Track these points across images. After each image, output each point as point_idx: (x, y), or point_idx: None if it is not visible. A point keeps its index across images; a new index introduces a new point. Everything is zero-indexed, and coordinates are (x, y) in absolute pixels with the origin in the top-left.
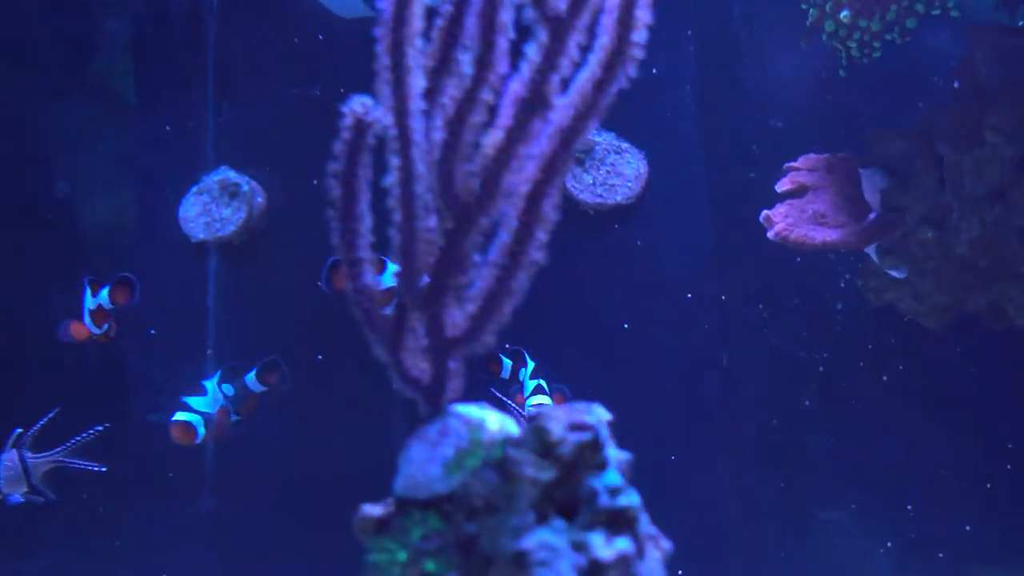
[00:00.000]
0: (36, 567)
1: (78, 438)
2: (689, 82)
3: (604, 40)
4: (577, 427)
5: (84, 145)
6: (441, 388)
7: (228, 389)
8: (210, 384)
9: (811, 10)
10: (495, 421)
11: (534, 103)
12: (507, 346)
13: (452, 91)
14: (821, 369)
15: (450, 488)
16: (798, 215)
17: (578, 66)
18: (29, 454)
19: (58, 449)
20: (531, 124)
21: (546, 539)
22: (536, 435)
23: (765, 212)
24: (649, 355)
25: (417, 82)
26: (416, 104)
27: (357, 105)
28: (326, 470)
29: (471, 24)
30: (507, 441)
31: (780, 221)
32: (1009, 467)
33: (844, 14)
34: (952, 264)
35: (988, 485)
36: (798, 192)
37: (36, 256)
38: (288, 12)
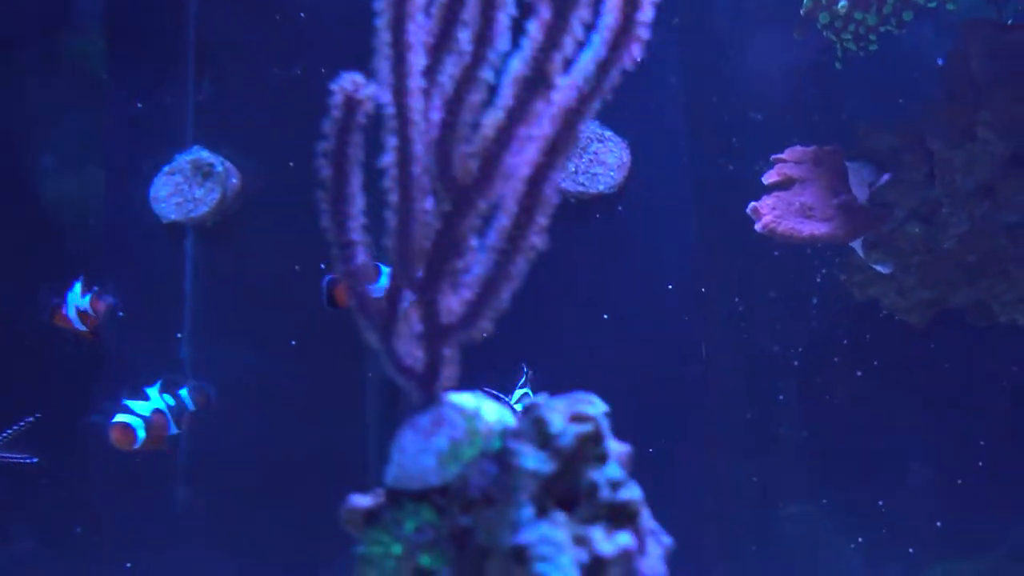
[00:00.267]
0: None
1: (7, 432)
2: (674, 71)
3: (609, 18)
4: (578, 418)
5: (54, 123)
6: (435, 376)
7: (169, 399)
8: (152, 391)
9: (806, 0)
10: (492, 411)
11: (536, 82)
12: None
13: (451, 69)
14: (796, 363)
15: (445, 480)
16: (785, 207)
17: (581, 45)
18: None
19: None
20: (532, 104)
21: (547, 533)
22: (536, 426)
23: (753, 204)
24: (630, 347)
25: (418, 59)
26: (416, 82)
27: (347, 82)
28: (301, 457)
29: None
30: (505, 432)
31: (768, 213)
32: (980, 464)
33: (841, 4)
34: (938, 260)
35: (959, 481)
36: (785, 184)
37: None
38: None
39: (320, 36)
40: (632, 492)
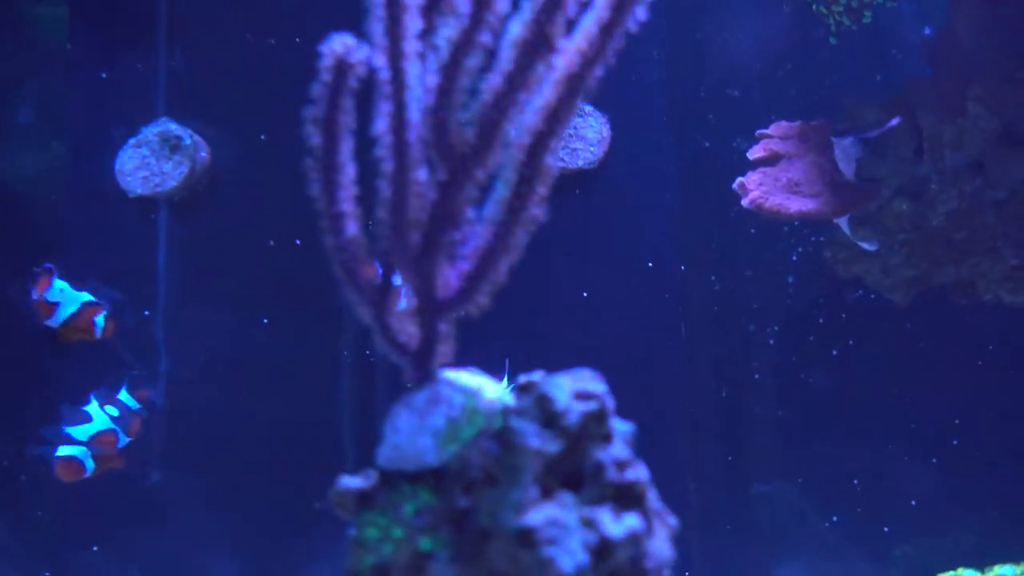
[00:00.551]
0: None
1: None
2: (656, 46)
3: None
4: (583, 396)
5: (14, 93)
6: (430, 353)
7: (112, 410)
8: (92, 409)
9: None
10: (491, 389)
11: (536, 46)
12: None
13: (448, 32)
14: (771, 342)
15: (442, 460)
16: (772, 183)
17: (584, 7)
18: None
19: None
20: (533, 69)
21: (554, 515)
22: (540, 404)
23: (739, 179)
24: (609, 325)
25: (413, 22)
26: (411, 46)
27: (338, 44)
28: (275, 434)
29: None
30: (508, 410)
31: (754, 189)
32: (955, 442)
33: None
34: (924, 237)
35: (934, 460)
36: (771, 160)
37: None
38: None
39: (295, 4)
40: (639, 472)
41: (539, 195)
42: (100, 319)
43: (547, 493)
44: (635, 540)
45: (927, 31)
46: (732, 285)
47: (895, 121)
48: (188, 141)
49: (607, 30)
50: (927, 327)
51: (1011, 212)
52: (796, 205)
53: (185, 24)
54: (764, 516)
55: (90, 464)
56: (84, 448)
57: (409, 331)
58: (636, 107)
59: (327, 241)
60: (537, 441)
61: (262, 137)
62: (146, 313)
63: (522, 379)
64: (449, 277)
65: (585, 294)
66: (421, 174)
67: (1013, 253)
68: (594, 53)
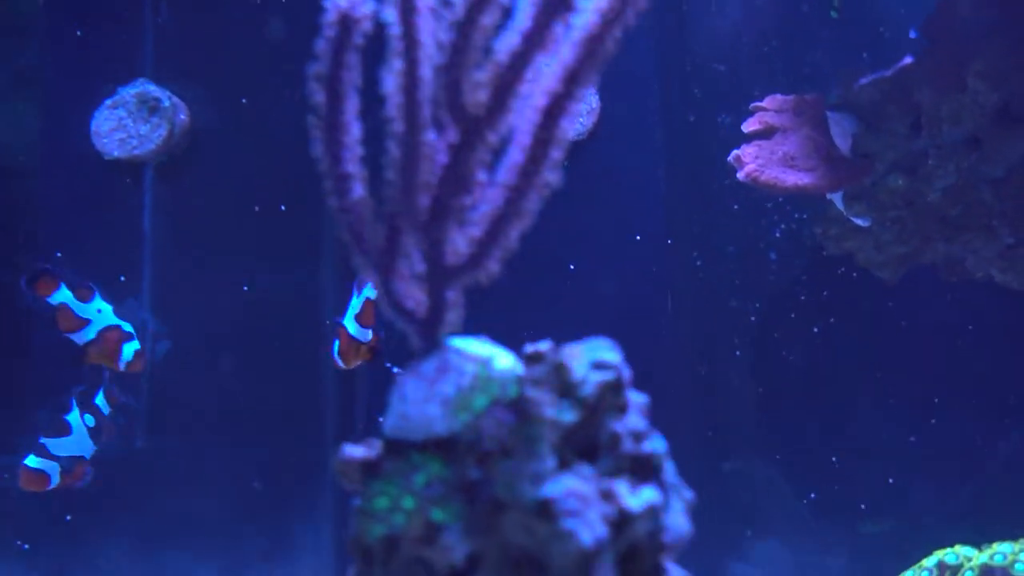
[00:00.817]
0: None
1: None
2: (644, 18)
3: None
4: (600, 366)
5: None
6: (438, 320)
7: (90, 420)
8: (73, 419)
9: None
10: (504, 358)
11: (555, 5)
12: None
13: None
14: (753, 319)
15: (452, 429)
16: (768, 156)
17: None
18: None
19: None
20: (551, 28)
21: (574, 486)
22: (556, 373)
23: (735, 152)
24: (595, 298)
25: None
26: (424, 1)
27: None
28: (255, 404)
29: None
30: (522, 379)
31: (750, 162)
32: (934, 421)
33: None
34: (916, 214)
35: (912, 438)
36: (766, 133)
37: None
38: None
39: None
40: (656, 444)
41: (553, 160)
42: (129, 351)
43: (564, 464)
44: (653, 513)
45: (920, 5)
46: (714, 261)
47: (907, 60)
48: (167, 103)
49: None
50: (908, 306)
51: (1008, 191)
52: (792, 179)
53: None
54: (741, 492)
55: (56, 480)
56: (54, 463)
57: (416, 297)
58: (626, 79)
59: (332, 203)
60: (554, 411)
61: (244, 101)
62: (122, 279)
63: (529, 348)
64: (458, 242)
65: (572, 267)
66: (432, 136)
67: (1009, 232)
68: (614, 14)
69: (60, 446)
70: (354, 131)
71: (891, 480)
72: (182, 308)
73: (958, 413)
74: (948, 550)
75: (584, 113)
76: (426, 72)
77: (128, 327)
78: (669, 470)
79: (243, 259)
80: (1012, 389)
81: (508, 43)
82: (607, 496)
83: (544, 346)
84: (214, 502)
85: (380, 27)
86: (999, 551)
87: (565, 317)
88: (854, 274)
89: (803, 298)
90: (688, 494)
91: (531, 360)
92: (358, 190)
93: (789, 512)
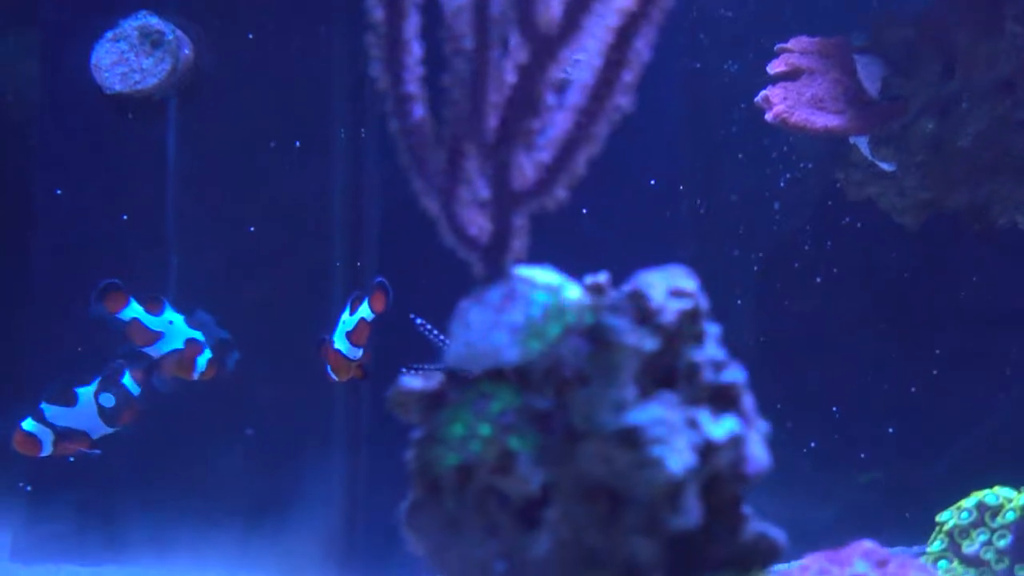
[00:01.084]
0: None
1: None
2: None
3: None
4: (678, 294)
5: None
6: (503, 248)
7: (107, 399)
8: (84, 392)
9: None
10: (572, 287)
11: None
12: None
13: None
14: (755, 268)
15: (523, 358)
16: (796, 98)
17: None
18: None
19: None
20: None
21: (660, 414)
22: (635, 300)
23: (763, 92)
24: (609, 243)
25: None
26: None
27: None
28: (265, 345)
29: None
30: (599, 306)
31: (779, 103)
32: (935, 372)
33: None
34: (943, 159)
35: (913, 389)
36: (791, 75)
37: None
38: None
39: None
40: (735, 374)
41: (625, 84)
42: (202, 361)
43: (646, 393)
44: (736, 443)
45: None
46: (718, 209)
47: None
48: (170, 36)
49: None
50: (913, 257)
51: None
52: (822, 121)
53: None
54: None
55: (48, 448)
56: (48, 430)
57: (480, 224)
58: None
59: (391, 125)
60: (634, 338)
61: (250, 36)
62: (124, 218)
63: (589, 280)
64: (525, 167)
65: (585, 211)
66: (501, 54)
67: None
68: None
69: (59, 415)
70: (415, 50)
71: (891, 430)
72: (187, 245)
73: (959, 363)
74: (987, 491)
75: None
76: None
77: (200, 336)
78: (748, 401)
79: (251, 198)
80: (1014, 340)
81: None
82: (692, 424)
83: (603, 278)
84: (230, 452)
85: None
86: None
87: (577, 262)
88: (859, 224)
89: (806, 248)
90: (764, 426)
91: (594, 290)
92: (419, 111)
93: (788, 462)
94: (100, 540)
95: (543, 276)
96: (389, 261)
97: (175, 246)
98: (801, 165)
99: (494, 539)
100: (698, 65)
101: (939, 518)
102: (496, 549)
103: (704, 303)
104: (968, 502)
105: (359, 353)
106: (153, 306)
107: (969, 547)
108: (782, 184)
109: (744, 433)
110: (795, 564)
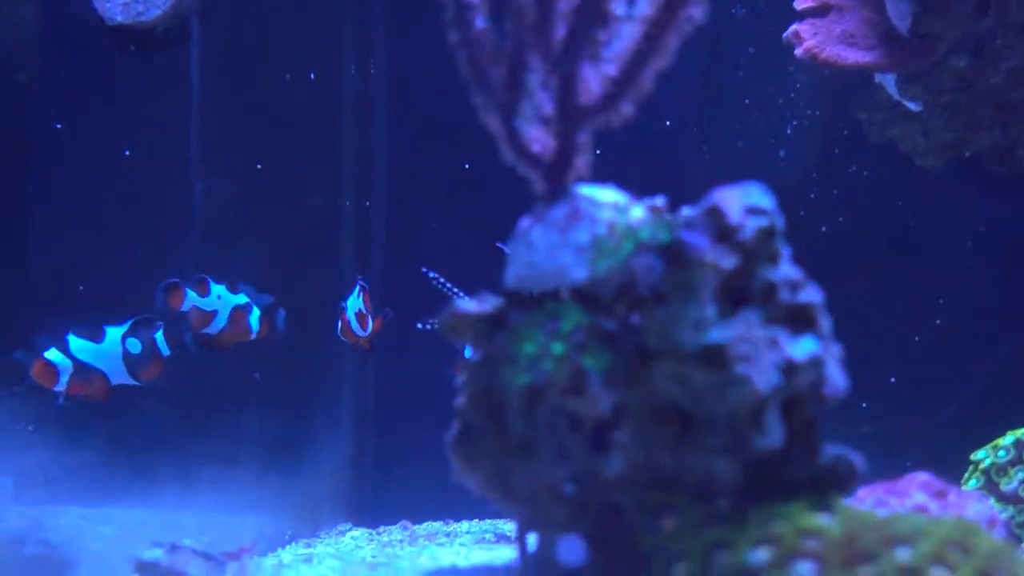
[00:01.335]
0: None
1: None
2: None
3: None
4: (754, 211)
5: None
6: (566, 165)
7: (134, 345)
8: (113, 332)
9: None
10: (637, 207)
11: None
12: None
13: None
14: None
15: (591, 277)
16: (826, 34)
17: None
18: None
19: None
20: None
21: (744, 332)
22: (712, 217)
23: (793, 27)
24: (623, 185)
25: None
26: None
27: None
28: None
29: None
30: (675, 223)
31: (809, 38)
32: (938, 322)
33: None
34: (973, 98)
35: (916, 338)
36: (820, 11)
37: None
38: None
39: None
40: (812, 295)
41: None
42: (255, 320)
43: (725, 312)
44: (816, 364)
45: None
46: (722, 156)
47: None
48: None
49: None
50: (917, 206)
51: None
52: (853, 56)
53: None
54: None
55: (64, 381)
56: (69, 363)
57: (544, 140)
58: None
59: (451, 36)
60: (714, 255)
61: None
62: (127, 153)
63: (647, 202)
64: (592, 80)
65: (599, 151)
66: None
67: None
68: None
69: (84, 349)
70: None
71: (893, 380)
72: (197, 178)
73: (963, 314)
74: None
75: None
76: None
77: (244, 299)
78: (825, 322)
79: (259, 133)
80: (1019, 291)
81: None
82: (773, 344)
83: (660, 201)
84: (243, 400)
85: None
86: None
87: None
88: (865, 173)
89: (812, 196)
90: (837, 349)
91: (655, 211)
92: (480, 22)
93: None
94: (127, 476)
95: (607, 195)
96: (396, 200)
97: (199, 172)
98: (808, 112)
99: (565, 462)
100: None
101: (974, 456)
102: (566, 472)
103: (780, 221)
104: (1006, 440)
105: (367, 331)
106: (201, 287)
107: (1007, 485)
108: (788, 131)
109: (823, 354)
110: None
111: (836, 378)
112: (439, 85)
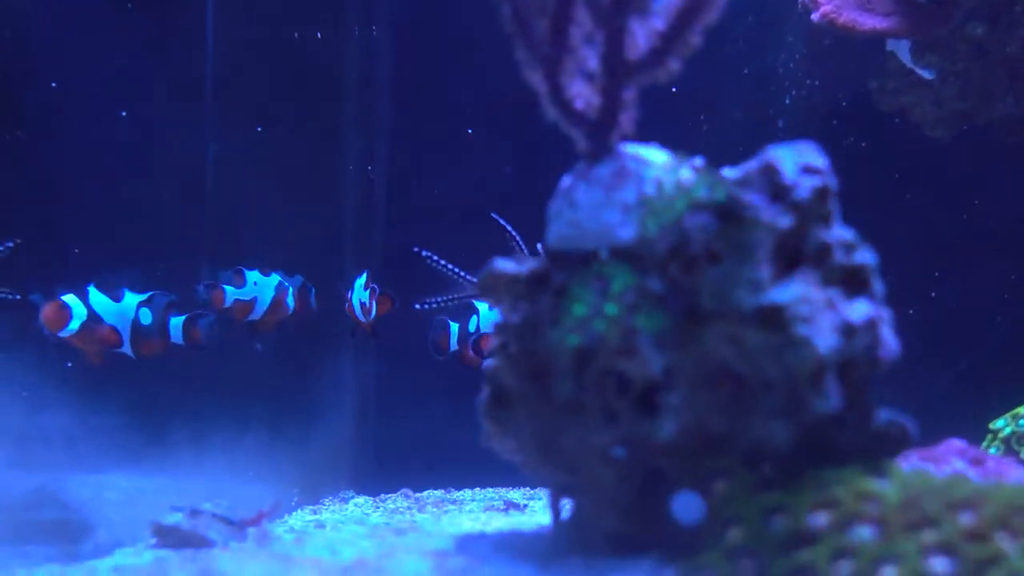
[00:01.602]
0: None
1: None
2: None
3: None
4: (809, 171)
5: None
6: (612, 123)
7: (146, 316)
8: (132, 297)
9: None
10: (687, 167)
11: None
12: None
13: None
14: None
15: (639, 236)
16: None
17: None
18: None
19: None
20: None
21: (804, 292)
22: (767, 175)
23: None
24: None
25: None
26: None
27: None
28: (280, 233)
29: None
30: (729, 181)
31: (826, 3)
32: (933, 294)
33: None
34: (987, 67)
35: (911, 311)
36: None
37: None
38: None
39: None
40: (866, 256)
41: None
42: (290, 299)
43: (781, 272)
44: (872, 326)
45: None
46: (720, 126)
47: None
48: None
49: None
50: (913, 178)
51: None
52: (870, 22)
53: None
54: None
55: (74, 326)
56: (83, 310)
57: (588, 97)
58: None
59: None
60: (770, 215)
61: None
62: (123, 114)
63: (688, 162)
64: (638, 35)
65: None
66: None
67: None
68: None
69: (101, 303)
70: None
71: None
72: (200, 140)
73: (957, 286)
74: None
75: None
76: None
77: (277, 279)
78: (878, 285)
79: (258, 95)
80: (1013, 264)
81: None
82: (831, 305)
83: (699, 161)
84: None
85: None
86: None
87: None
88: (863, 144)
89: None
90: (887, 313)
91: (702, 172)
92: None
93: None
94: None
95: (655, 154)
96: (399, 162)
97: (212, 134)
98: (807, 82)
99: (613, 425)
100: None
101: (992, 425)
102: (615, 435)
103: (833, 181)
104: None
105: (369, 317)
106: (238, 279)
107: None
108: (787, 101)
109: (877, 317)
110: None
111: (890, 341)
112: (441, 51)
